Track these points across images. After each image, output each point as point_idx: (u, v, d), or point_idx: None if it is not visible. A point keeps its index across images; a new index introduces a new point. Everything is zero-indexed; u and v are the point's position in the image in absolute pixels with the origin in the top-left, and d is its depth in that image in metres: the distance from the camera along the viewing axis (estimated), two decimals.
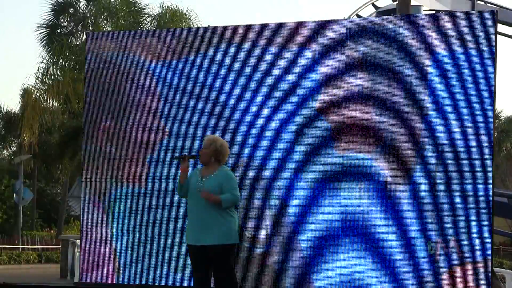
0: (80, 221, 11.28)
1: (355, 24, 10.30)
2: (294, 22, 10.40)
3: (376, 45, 9.94)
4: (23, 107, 27.14)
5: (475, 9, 17.68)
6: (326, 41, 10.15)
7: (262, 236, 10.18)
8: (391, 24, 10.02)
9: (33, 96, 24.78)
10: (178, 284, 10.39)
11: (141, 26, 25.94)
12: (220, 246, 6.90)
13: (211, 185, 6.96)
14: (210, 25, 11.29)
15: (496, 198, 12.63)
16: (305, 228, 10.00)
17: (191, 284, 7.16)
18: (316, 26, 10.20)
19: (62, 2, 28.14)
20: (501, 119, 41.58)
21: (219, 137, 7.23)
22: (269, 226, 10.17)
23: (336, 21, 10.26)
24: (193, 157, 7.14)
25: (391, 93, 9.85)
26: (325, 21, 10.26)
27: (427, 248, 9.57)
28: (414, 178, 9.68)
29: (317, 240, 9.95)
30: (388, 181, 9.75)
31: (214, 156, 7.07)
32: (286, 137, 10.19)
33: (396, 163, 9.75)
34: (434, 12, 18.27)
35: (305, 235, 9.99)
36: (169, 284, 10.45)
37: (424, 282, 9.52)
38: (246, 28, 10.58)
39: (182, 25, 24.91)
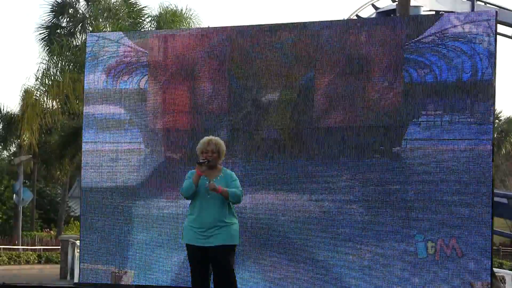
0: (80, 222, 11.28)
1: (346, 23, 10.30)
2: (295, 22, 10.44)
3: (371, 45, 9.96)
4: (23, 108, 27.10)
5: (475, 10, 17.69)
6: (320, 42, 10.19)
7: (260, 246, 10.19)
8: (389, 22, 10.06)
9: (33, 96, 24.80)
10: (177, 284, 10.38)
11: (141, 27, 25.97)
12: (221, 246, 6.90)
13: (221, 186, 7.02)
14: (210, 26, 11.32)
15: (496, 199, 12.65)
16: (303, 232, 10.00)
17: (190, 284, 7.14)
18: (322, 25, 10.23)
19: (61, 3, 28.15)
20: (500, 120, 41.66)
21: (218, 138, 7.27)
22: (266, 235, 10.19)
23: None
24: (209, 161, 7.18)
25: (390, 93, 9.85)
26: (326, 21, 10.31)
27: (427, 248, 9.57)
28: (414, 178, 9.69)
29: (317, 244, 9.95)
30: (388, 181, 9.76)
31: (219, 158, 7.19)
32: (280, 140, 10.20)
33: (396, 163, 9.76)
34: (433, 12, 18.29)
35: (303, 240, 9.99)
36: (169, 284, 10.45)
37: (424, 282, 9.51)
38: (240, 27, 10.63)
39: (182, 25, 24.94)
